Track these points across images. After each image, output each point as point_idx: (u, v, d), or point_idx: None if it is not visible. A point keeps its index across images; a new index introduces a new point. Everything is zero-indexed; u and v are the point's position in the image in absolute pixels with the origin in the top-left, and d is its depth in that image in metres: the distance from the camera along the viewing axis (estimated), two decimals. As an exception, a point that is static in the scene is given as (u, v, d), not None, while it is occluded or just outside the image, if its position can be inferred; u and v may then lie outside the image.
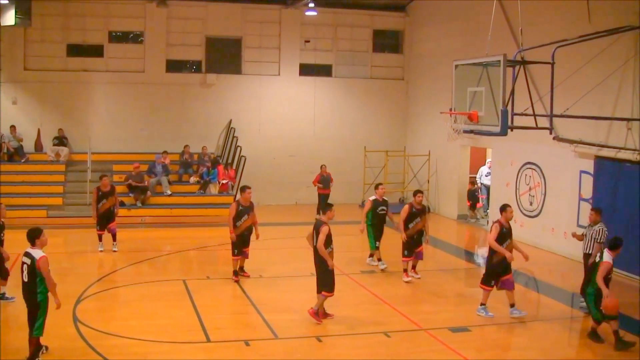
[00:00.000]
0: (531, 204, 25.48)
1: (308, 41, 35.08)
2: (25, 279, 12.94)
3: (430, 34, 33.78)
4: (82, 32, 32.62)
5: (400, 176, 34.37)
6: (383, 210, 21.12)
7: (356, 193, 33.71)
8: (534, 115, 18.05)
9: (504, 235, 16.27)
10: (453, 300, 18.48)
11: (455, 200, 31.37)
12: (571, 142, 22.65)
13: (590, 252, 17.27)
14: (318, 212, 29.97)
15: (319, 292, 16.01)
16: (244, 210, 19.59)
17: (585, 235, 17.61)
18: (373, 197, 21.33)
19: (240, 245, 19.64)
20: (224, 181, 30.85)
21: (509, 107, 17.01)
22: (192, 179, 31.24)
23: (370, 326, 15.82)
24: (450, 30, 31.44)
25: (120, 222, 26.19)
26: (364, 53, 36.03)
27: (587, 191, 22.52)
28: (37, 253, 12.86)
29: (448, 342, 14.74)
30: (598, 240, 17.15)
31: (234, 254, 19.66)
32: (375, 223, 21.19)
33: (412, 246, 20.09)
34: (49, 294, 13.00)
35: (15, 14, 26.77)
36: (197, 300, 17.65)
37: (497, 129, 16.97)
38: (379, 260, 21.40)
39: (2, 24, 27.48)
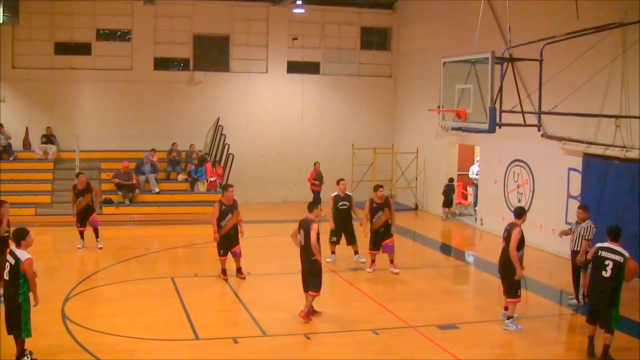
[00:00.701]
0: (519, 201, 25.51)
1: (296, 39, 35.08)
2: (7, 278, 12.85)
3: (418, 31, 33.81)
4: (69, 30, 32.56)
5: (388, 174, 34.37)
6: (344, 205, 21.20)
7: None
8: (522, 112, 18.05)
9: (522, 241, 15.81)
10: (441, 298, 18.50)
11: (443, 198, 31.33)
12: (559, 139, 22.68)
13: (578, 249, 17.34)
14: None
15: (306, 291, 15.99)
16: (228, 209, 19.34)
17: (573, 232, 17.65)
18: (335, 193, 21.35)
19: (227, 245, 19.49)
20: (212, 179, 30.84)
21: (497, 105, 17.01)
22: (180, 177, 31.23)
23: (358, 324, 15.84)
24: (438, 27, 31.47)
25: (108, 219, 26.30)
26: (352, 50, 36.04)
27: (576, 188, 22.57)
28: (22, 254, 12.74)
29: (436, 340, 14.76)
30: (586, 237, 17.20)
31: (219, 254, 19.57)
32: (337, 218, 21.26)
33: (377, 240, 20.55)
34: (30, 294, 12.90)
35: (3, 12, 26.68)
36: (185, 298, 17.64)
37: (486, 126, 16.96)
38: (333, 253, 21.81)
39: (-11, 22, 27.44)
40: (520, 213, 15.98)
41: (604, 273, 13.69)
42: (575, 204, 22.17)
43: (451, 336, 15.15)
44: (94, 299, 17.79)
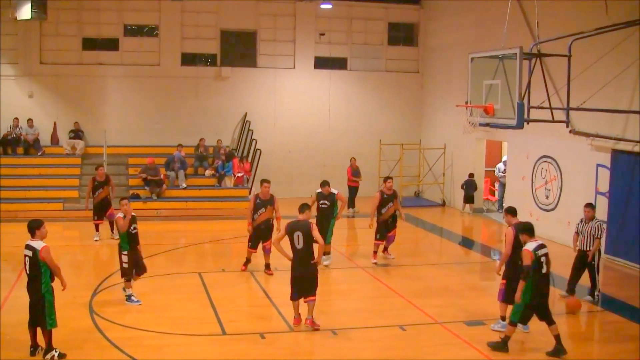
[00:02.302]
0: (547, 197, 25.39)
1: (323, 34, 35.05)
2: (28, 272, 12.97)
3: (445, 26, 33.70)
4: (97, 26, 32.73)
5: (415, 169, 34.30)
6: (325, 204, 20.69)
7: (371, 186, 33.62)
8: (550, 108, 17.97)
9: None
10: (467, 294, 18.44)
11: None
12: (588, 135, 22.56)
13: (588, 248, 17.29)
14: (349, 206, 30.02)
15: (301, 297, 15.21)
16: (261, 203, 19.50)
17: (581, 232, 17.55)
18: (318, 190, 20.95)
19: (257, 238, 19.61)
20: (239, 174, 30.90)
21: (525, 100, 16.94)
22: (208, 172, 31.28)
23: (385, 319, 15.81)
24: (465, 22, 31.34)
25: (135, 214, 26.34)
26: (379, 46, 35.97)
27: (604, 185, 22.43)
28: (38, 244, 12.87)
29: (463, 336, 14.72)
30: (597, 236, 17.16)
31: (248, 246, 19.75)
32: (315, 216, 20.85)
33: (384, 230, 20.84)
34: (52, 283, 13.02)
35: (31, 8, 26.82)
36: (212, 293, 17.70)
37: (513, 122, 16.91)
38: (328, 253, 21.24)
39: (18, 18, 27.57)
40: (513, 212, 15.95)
41: (543, 270, 13.83)
42: (603, 201, 22.11)
43: (478, 332, 15.08)
44: (121, 293, 17.85)
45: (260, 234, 19.64)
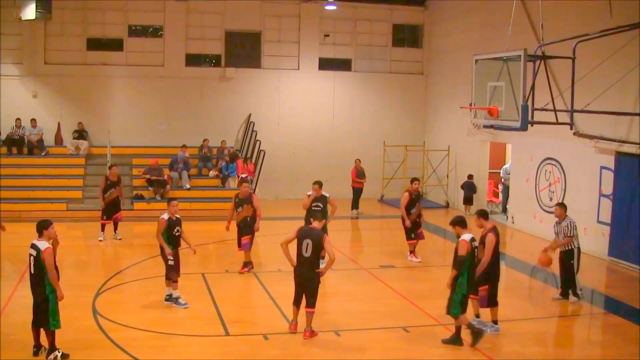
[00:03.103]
0: (551, 199, 25.36)
1: (327, 35, 35.08)
2: (32, 271, 12.95)
3: (450, 28, 33.70)
4: (101, 26, 32.80)
5: (419, 171, 34.28)
6: (318, 206, 20.55)
7: (375, 188, 33.70)
8: (555, 110, 17.97)
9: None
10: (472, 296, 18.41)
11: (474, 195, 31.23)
12: (592, 137, 22.54)
13: (566, 249, 17.39)
14: (353, 207, 30.07)
15: (308, 306, 14.86)
16: (239, 202, 20.13)
17: (557, 233, 17.63)
18: (309, 193, 20.91)
19: (239, 236, 20.18)
20: (243, 175, 30.88)
21: (529, 102, 16.94)
22: (212, 173, 31.30)
23: (388, 321, 15.78)
24: (469, 24, 31.34)
25: (139, 215, 26.48)
26: (384, 47, 35.99)
27: (608, 187, 22.42)
28: (42, 244, 12.83)
29: (468, 338, 14.68)
30: (569, 235, 17.22)
31: (239, 248, 20.29)
32: (307, 219, 20.59)
33: (415, 229, 21.19)
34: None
35: (36, 8, 26.84)
36: (215, 294, 17.70)
37: (518, 124, 16.91)
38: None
39: (22, 18, 27.59)
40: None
41: (475, 260, 14.50)
42: (607, 203, 22.08)
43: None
44: (124, 294, 17.88)
45: (240, 231, 20.06)
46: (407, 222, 21.10)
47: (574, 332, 15.65)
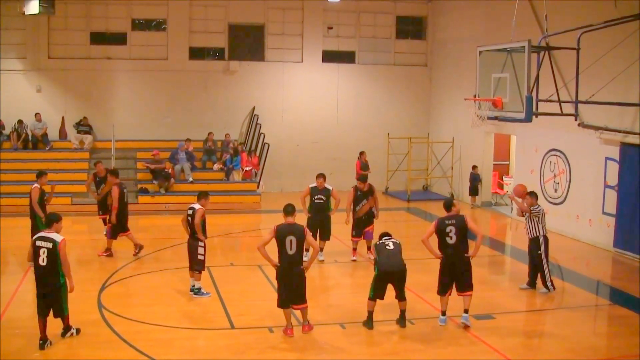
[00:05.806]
0: (556, 191, 25.34)
1: (331, 28, 35.03)
2: (44, 263, 13.12)
3: (454, 20, 33.64)
4: (105, 20, 32.77)
5: (423, 163, 34.30)
6: (320, 199, 20.55)
7: (379, 180, 33.65)
8: (559, 101, 17.96)
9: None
10: (476, 288, 18.27)
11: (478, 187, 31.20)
12: (596, 128, 22.50)
13: (533, 236, 17.50)
14: None
15: (300, 304, 14.64)
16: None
17: (526, 220, 17.65)
18: (312, 185, 20.89)
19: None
20: (248, 168, 30.91)
21: (534, 94, 16.92)
22: (216, 167, 31.30)
23: (394, 313, 15.74)
24: (473, 16, 31.28)
25: (143, 209, 26.47)
26: (387, 39, 35.92)
27: (613, 178, 22.38)
28: (57, 236, 13.20)
29: (472, 329, 14.71)
30: (538, 222, 17.19)
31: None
32: (311, 211, 20.71)
33: (361, 226, 20.60)
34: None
35: (39, 3, 26.85)
36: (220, 287, 17.72)
37: (522, 116, 16.90)
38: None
39: (26, 13, 27.61)
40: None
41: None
42: (612, 194, 22.06)
43: (487, 326, 15.11)
44: (129, 287, 17.90)
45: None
46: (347, 219, 20.62)
47: (578, 324, 15.60)
